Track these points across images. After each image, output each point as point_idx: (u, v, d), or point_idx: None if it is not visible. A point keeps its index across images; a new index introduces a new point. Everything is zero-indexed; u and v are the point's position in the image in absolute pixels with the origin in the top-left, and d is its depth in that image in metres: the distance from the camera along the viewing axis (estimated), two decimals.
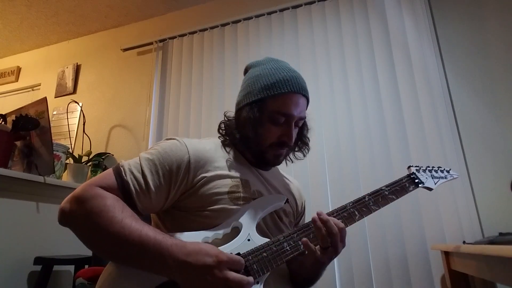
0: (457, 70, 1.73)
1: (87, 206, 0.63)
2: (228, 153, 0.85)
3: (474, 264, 1.04)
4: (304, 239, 0.69)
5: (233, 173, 0.79)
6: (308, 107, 0.89)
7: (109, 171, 0.71)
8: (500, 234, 1.20)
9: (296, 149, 0.92)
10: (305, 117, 0.87)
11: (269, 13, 2.15)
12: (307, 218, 0.81)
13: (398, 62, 1.75)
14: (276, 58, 0.91)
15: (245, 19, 2.20)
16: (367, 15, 1.89)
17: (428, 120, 1.61)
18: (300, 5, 2.07)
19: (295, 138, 0.85)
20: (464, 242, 1.37)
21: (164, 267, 0.60)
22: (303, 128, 0.90)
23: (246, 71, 0.93)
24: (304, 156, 0.93)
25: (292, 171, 1.78)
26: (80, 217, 0.64)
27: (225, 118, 0.91)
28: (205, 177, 0.75)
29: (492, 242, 1.08)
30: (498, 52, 1.68)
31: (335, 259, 1.60)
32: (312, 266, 0.76)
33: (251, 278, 0.62)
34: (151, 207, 0.73)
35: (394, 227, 1.54)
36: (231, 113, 0.91)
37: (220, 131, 0.90)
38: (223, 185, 0.76)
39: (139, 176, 0.70)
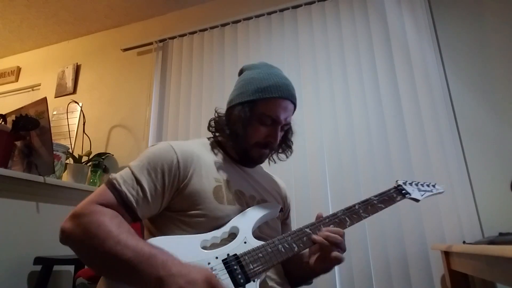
0: (457, 70, 1.73)
1: (84, 223, 0.65)
2: (214, 152, 0.89)
3: (474, 264, 1.04)
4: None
5: (218, 173, 0.83)
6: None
7: (103, 186, 0.73)
8: (500, 234, 1.20)
9: (280, 151, 0.98)
10: (290, 122, 0.93)
11: (269, 13, 2.15)
12: (307, 217, 0.83)
13: (398, 62, 1.75)
14: (270, 64, 0.96)
15: (245, 19, 2.20)
16: (367, 15, 1.89)
17: (428, 120, 1.61)
18: (300, 5, 2.07)
19: (279, 141, 0.91)
20: (464, 242, 1.37)
21: (157, 280, 0.60)
22: (287, 132, 0.97)
23: (241, 72, 0.98)
24: (287, 157, 0.99)
25: (293, 171, 1.78)
26: (78, 234, 0.65)
27: (216, 114, 0.95)
28: (191, 176, 0.78)
29: (492, 242, 1.08)
30: (498, 52, 1.68)
31: None
32: (322, 271, 0.82)
33: None
34: (150, 211, 0.75)
35: (394, 227, 1.54)
36: (221, 110, 0.95)
37: (210, 128, 0.94)
38: (208, 185, 0.79)
39: (133, 183, 0.73)
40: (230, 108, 0.90)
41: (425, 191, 0.99)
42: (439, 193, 1.03)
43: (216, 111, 0.95)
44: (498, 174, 1.53)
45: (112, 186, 0.71)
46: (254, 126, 0.85)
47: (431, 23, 1.80)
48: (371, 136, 1.70)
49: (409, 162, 1.60)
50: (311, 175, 1.74)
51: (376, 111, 1.73)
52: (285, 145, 0.98)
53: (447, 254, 1.32)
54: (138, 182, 0.73)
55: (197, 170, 0.79)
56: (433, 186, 1.04)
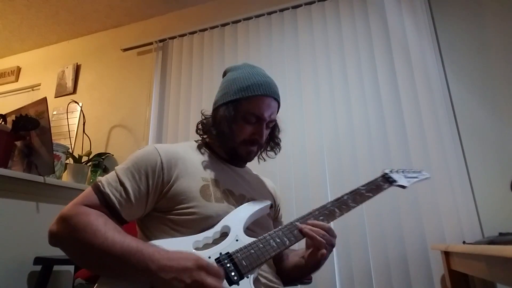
0: (457, 70, 1.73)
1: (72, 223, 0.67)
2: (201, 153, 0.91)
3: (474, 264, 1.04)
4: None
5: (204, 172, 0.84)
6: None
7: (89, 188, 0.75)
8: (500, 234, 1.20)
9: (268, 149, 1.00)
10: (275, 119, 0.94)
11: (269, 13, 2.15)
12: (303, 213, 0.84)
13: (398, 62, 1.75)
14: (252, 64, 0.98)
15: (245, 19, 2.20)
16: (367, 15, 1.89)
17: (428, 120, 1.61)
18: (300, 5, 2.07)
19: (266, 138, 0.93)
20: (464, 242, 1.37)
21: (146, 272, 0.62)
22: (274, 129, 0.98)
23: (224, 74, 1.01)
24: (275, 154, 1.01)
25: (293, 171, 1.78)
26: (66, 235, 0.67)
27: (202, 117, 0.97)
28: (176, 177, 0.79)
29: (492, 242, 1.08)
30: (498, 52, 1.68)
31: (335, 259, 1.61)
32: (315, 265, 0.81)
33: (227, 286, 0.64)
34: (134, 213, 0.76)
35: (394, 227, 1.54)
36: (208, 112, 0.98)
37: (198, 131, 0.96)
38: (194, 184, 0.79)
39: (117, 185, 0.74)
40: (215, 109, 0.92)
41: (412, 177, 1.00)
42: (426, 178, 1.04)
43: (202, 114, 0.98)
44: (498, 174, 1.52)
45: (97, 188, 0.73)
46: (239, 124, 0.87)
47: (431, 23, 1.80)
48: (371, 136, 1.70)
49: (409, 162, 1.60)
50: (311, 175, 1.74)
51: (376, 111, 1.73)
52: (273, 142, 0.99)
53: (447, 254, 1.32)
54: (122, 184, 0.74)
55: (182, 171, 0.80)
56: (419, 172, 1.05)
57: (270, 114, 0.89)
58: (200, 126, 0.96)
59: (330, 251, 0.76)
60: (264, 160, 1.00)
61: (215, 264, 0.65)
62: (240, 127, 0.87)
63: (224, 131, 0.87)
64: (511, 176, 1.45)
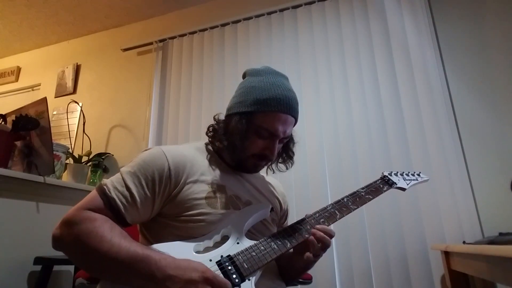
0: (457, 70, 1.73)
1: (76, 229, 0.65)
2: (209, 158, 0.88)
3: (474, 264, 1.04)
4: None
5: (210, 178, 0.82)
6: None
7: (94, 192, 0.73)
8: (500, 234, 1.20)
9: (280, 161, 0.96)
10: (290, 135, 0.91)
11: (269, 13, 2.15)
12: (303, 213, 0.85)
13: (398, 62, 1.75)
14: (275, 70, 0.92)
15: (245, 19, 2.20)
16: (367, 15, 1.89)
17: (428, 120, 1.61)
18: (300, 5, 2.07)
19: (279, 151, 0.90)
20: (464, 242, 1.37)
21: (152, 280, 0.61)
22: (289, 142, 0.95)
23: (244, 76, 0.95)
24: (287, 169, 0.97)
25: (293, 171, 1.77)
26: (71, 240, 0.66)
27: (214, 121, 0.93)
28: (184, 183, 0.77)
29: (492, 242, 1.08)
30: (498, 52, 1.68)
31: (335, 259, 1.61)
32: (302, 268, 0.83)
33: None
34: (139, 218, 0.75)
35: (394, 227, 1.54)
36: (221, 115, 0.93)
37: (208, 133, 0.92)
38: (201, 191, 0.78)
39: (123, 190, 0.72)
40: (228, 116, 0.88)
41: (411, 180, 1.01)
42: (424, 181, 1.05)
43: (214, 119, 0.93)
44: (498, 174, 1.53)
45: (102, 192, 0.72)
46: (251, 138, 0.84)
47: (431, 23, 1.80)
48: (371, 136, 1.70)
49: (409, 162, 1.60)
50: (311, 175, 1.74)
51: (376, 111, 1.73)
52: (286, 155, 0.96)
53: (447, 254, 1.32)
54: (128, 188, 0.72)
55: (189, 176, 0.78)
56: (418, 175, 1.06)
57: (284, 130, 0.84)
58: (211, 129, 0.92)
59: (321, 252, 0.77)
60: (273, 172, 0.96)
61: (222, 276, 0.64)
62: (252, 141, 0.84)
63: (235, 143, 0.83)
64: (511, 176, 1.45)
